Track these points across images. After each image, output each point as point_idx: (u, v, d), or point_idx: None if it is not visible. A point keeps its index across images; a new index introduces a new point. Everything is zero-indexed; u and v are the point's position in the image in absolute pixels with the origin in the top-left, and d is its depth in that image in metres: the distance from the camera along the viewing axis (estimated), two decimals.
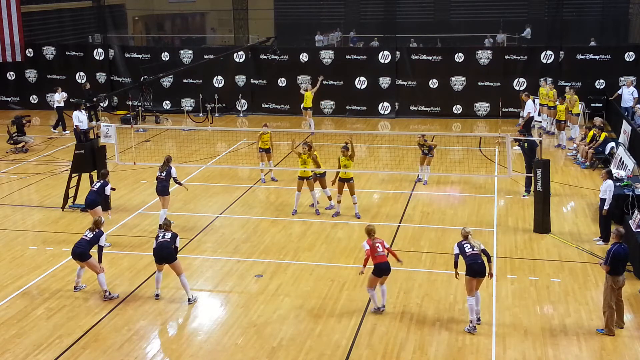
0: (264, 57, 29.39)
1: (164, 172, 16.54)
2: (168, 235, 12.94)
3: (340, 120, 29.48)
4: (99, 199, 15.96)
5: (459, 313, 12.44)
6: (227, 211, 17.91)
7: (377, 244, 12.19)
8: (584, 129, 22.70)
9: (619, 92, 25.72)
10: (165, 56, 31.24)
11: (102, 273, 13.15)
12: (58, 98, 26.94)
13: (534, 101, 26.82)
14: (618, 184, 17.02)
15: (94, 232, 13.14)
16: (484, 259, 11.73)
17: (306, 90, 26.13)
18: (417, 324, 12.10)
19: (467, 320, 12.07)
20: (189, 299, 13.00)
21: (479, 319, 12.00)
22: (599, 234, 15.70)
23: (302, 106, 25.94)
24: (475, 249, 11.76)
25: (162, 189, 16.50)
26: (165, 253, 12.82)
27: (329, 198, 17.63)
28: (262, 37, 35.72)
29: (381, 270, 12.15)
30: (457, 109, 29.22)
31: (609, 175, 15.54)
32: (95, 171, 18.11)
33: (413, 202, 18.57)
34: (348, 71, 29.85)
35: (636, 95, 25.00)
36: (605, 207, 15.31)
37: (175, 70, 29.79)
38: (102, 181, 16.12)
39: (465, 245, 11.85)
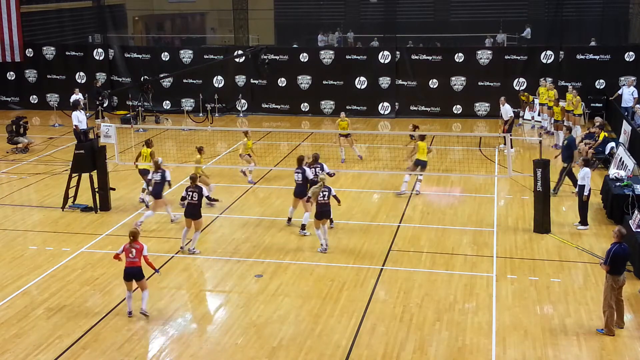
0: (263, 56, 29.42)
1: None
2: None
3: None
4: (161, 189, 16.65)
5: (459, 313, 12.45)
6: (227, 211, 17.91)
7: (132, 249, 12.13)
8: (586, 129, 22.72)
9: (619, 92, 25.72)
10: (165, 56, 31.26)
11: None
12: (75, 99, 26.86)
13: (533, 102, 26.91)
14: (618, 184, 17.05)
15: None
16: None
17: (343, 119, 22.36)
18: (417, 324, 12.10)
19: (466, 320, 12.16)
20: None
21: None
22: (599, 234, 15.72)
23: (339, 133, 22.27)
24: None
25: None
26: None
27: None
28: (261, 38, 35.88)
29: (126, 274, 12.26)
30: (457, 109, 29.22)
31: (586, 163, 16.09)
32: (95, 171, 18.14)
33: (413, 202, 18.57)
34: (348, 71, 29.86)
35: (636, 95, 24.99)
36: (585, 193, 15.92)
37: (177, 72, 29.81)
38: (160, 170, 16.58)
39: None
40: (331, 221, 16.17)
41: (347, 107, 29.90)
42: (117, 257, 12.43)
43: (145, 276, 12.37)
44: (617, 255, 11.53)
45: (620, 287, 11.75)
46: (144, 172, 18.19)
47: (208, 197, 17.77)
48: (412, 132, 20.35)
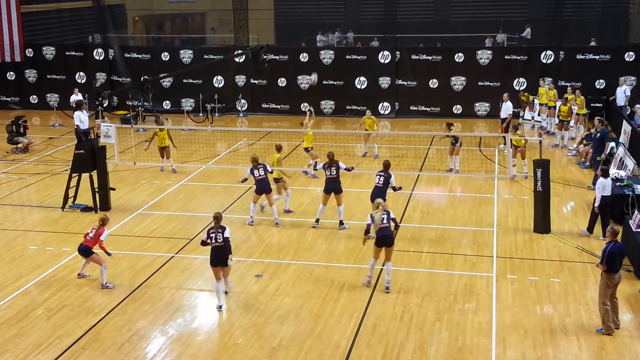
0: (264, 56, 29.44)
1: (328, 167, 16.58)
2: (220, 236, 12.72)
3: (340, 120, 29.49)
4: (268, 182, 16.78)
5: (459, 313, 12.45)
6: (227, 211, 17.90)
7: (93, 230, 13.69)
8: (586, 129, 22.77)
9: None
10: (165, 56, 31.26)
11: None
12: (74, 99, 26.84)
13: (533, 101, 26.91)
14: (618, 184, 17.03)
15: None
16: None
17: (369, 117, 22.67)
18: (417, 324, 12.10)
19: (466, 320, 12.17)
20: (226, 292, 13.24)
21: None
22: (598, 234, 15.74)
23: (365, 129, 22.76)
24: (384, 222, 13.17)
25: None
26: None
27: None
28: (261, 38, 35.90)
29: (78, 249, 13.73)
30: (457, 109, 29.22)
31: (604, 173, 15.61)
32: (95, 171, 18.14)
33: (413, 202, 18.58)
34: (348, 71, 29.86)
35: (628, 94, 25.18)
36: (596, 205, 15.62)
37: (176, 72, 29.82)
38: (262, 165, 16.75)
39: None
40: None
41: (347, 107, 30.00)
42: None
43: (94, 253, 13.65)
44: (613, 253, 11.56)
45: (616, 285, 11.75)
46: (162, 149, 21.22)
47: (287, 211, 17.65)
48: (447, 133, 20.86)
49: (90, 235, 13.63)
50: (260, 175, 16.66)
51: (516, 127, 20.59)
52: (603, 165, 16.71)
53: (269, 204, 16.88)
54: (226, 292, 13.19)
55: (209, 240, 12.69)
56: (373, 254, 13.44)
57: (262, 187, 16.68)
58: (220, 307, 12.77)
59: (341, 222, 16.56)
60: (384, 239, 13.20)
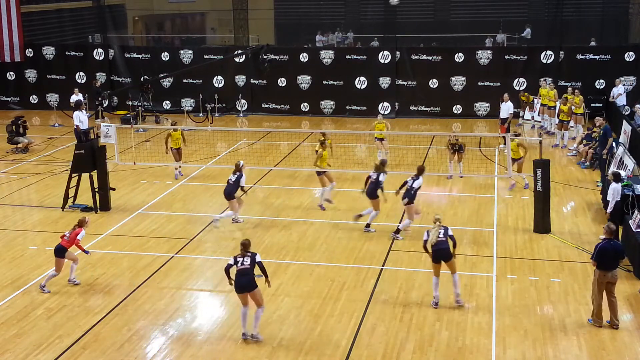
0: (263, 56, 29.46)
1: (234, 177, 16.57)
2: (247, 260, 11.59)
3: (340, 120, 29.48)
4: (234, 190, 16.59)
5: (459, 313, 12.45)
6: (226, 211, 17.91)
7: (70, 231, 13.67)
8: (586, 129, 22.77)
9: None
10: (165, 56, 31.26)
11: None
12: (74, 99, 26.81)
13: (533, 102, 26.92)
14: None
15: None
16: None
17: (380, 121, 21.91)
18: (417, 324, 12.10)
19: (466, 320, 12.17)
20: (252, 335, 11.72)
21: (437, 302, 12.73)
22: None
23: (375, 137, 22.27)
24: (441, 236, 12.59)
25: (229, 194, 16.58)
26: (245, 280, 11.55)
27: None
28: (261, 38, 35.93)
29: (54, 249, 13.55)
30: (457, 109, 29.22)
31: (616, 178, 15.50)
32: (96, 171, 18.14)
33: None
34: (348, 71, 29.86)
35: (621, 92, 25.25)
36: (608, 211, 15.56)
37: (176, 72, 29.83)
38: (238, 173, 16.59)
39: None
40: None
41: (347, 107, 29.99)
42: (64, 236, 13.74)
43: (64, 256, 13.48)
44: (604, 250, 11.56)
45: (610, 283, 11.74)
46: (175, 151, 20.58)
47: (322, 206, 17.78)
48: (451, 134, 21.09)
49: (66, 236, 13.59)
50: (230, 180, 16.59)
51: (517, 134, 20.02)
52: (614, 170, 16.65)
53: (230, 208, 16.83)
54: (252, 336, 11.63)
55: (235, 265, 11.59)
56: (433, 273, 12.67)
57: (226, 192, 16.61)
58: (244, 334, 11.64)
59: (367, 225, 16.36)
60: (440, 253, 12.52)
